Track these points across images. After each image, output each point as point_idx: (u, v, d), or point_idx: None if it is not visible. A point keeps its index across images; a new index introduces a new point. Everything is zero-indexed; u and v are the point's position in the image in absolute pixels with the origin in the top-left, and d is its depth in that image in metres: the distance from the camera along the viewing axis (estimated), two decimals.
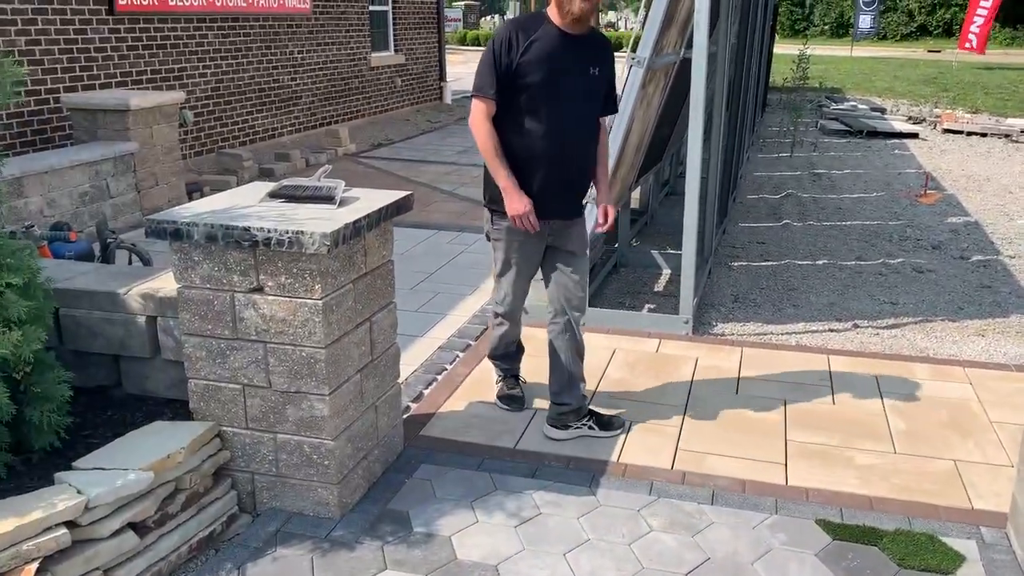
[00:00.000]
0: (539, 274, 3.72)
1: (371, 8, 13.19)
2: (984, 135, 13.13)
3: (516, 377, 3.99)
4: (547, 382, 3.71)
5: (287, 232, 2.70)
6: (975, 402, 3.95)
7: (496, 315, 3.82)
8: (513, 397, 3.90)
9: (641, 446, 3.55)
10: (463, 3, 43.81)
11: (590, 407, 3.71)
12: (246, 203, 3.01)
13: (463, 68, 20.81)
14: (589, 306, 5.00)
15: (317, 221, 2.78)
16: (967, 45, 23.67)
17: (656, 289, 5.79)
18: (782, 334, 4.92)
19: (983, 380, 4.19)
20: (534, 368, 4.20)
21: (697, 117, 4.64)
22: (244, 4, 9.98)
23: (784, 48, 23.56)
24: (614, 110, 3.59)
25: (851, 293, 5.69)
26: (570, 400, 3.60)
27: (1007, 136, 12.95)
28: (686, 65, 4.96)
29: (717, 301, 5.49)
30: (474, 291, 5.49)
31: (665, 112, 6.24)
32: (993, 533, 2.95)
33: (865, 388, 4.10)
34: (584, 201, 3.65)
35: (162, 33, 8.80)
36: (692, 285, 4.85)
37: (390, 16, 14.02)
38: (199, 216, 2.85)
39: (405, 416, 3.75)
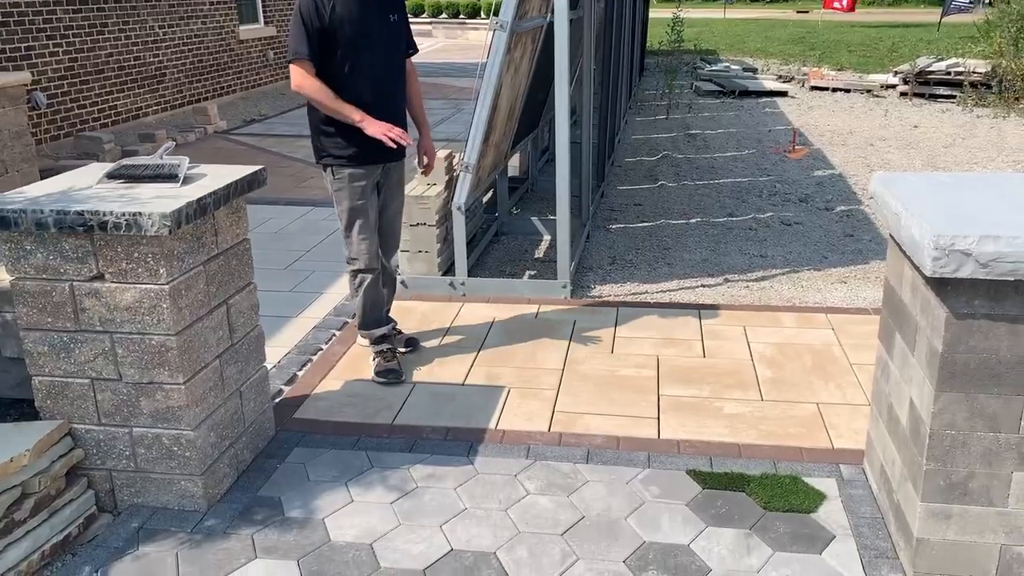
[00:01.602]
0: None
1: None
2: (848, 91, 13.71)
3: (392, 349, 3.93)
4: (426, 351, 4.01)
5: (124, 214, 2.54)
6: (836, 346, 4.12)
7: (356, 274, 3.82)
8: (391, 370, 3.84)
9: (519, 411, 3.56)
10: None
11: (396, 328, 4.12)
12: (82, 186, 2.82)
13: None
14: (470, 276, 5.02)
15: (158, 201, 2.63)
16: (836, 5, 24.65)
17: (537, 256, 5.81)
18: (657, 292, 5.01)
19: (844, 325, 4.37)
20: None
21: (562, 83, 4.63)
22: None
23: (660, 12, 23.93)
24: (415, 50, 3.87)
25: (722, 249, 5.84)
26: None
27: (869, 91, 13.55)
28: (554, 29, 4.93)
29: (595, 264, 5.55)
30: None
31: (539, 76, 6.22)
32: (851, 470, 3.09)
33: (734, 340, 4.22)
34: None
35: (3, 10, 8.19)
36: (568, 250, 4.88)
37: None
38: (28, 202, 2.66)
39: (278, 400, 3.64)
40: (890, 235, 2.78)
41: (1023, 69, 11.61)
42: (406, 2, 3.88)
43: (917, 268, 2.45)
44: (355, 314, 4.03)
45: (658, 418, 3.48)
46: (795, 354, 4.05)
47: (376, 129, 3.48)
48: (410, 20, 3.93)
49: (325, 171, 3.71)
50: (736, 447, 3.26)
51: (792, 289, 5.07)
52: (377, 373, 3.84)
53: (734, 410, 3.54)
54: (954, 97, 12.38)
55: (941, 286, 2.27)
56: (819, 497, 2.93)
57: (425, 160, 3.97)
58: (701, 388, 3.73)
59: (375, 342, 3.91)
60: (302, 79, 3.47)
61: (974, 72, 12.46)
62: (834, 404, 3.58)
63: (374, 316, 3.90)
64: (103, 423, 2.84)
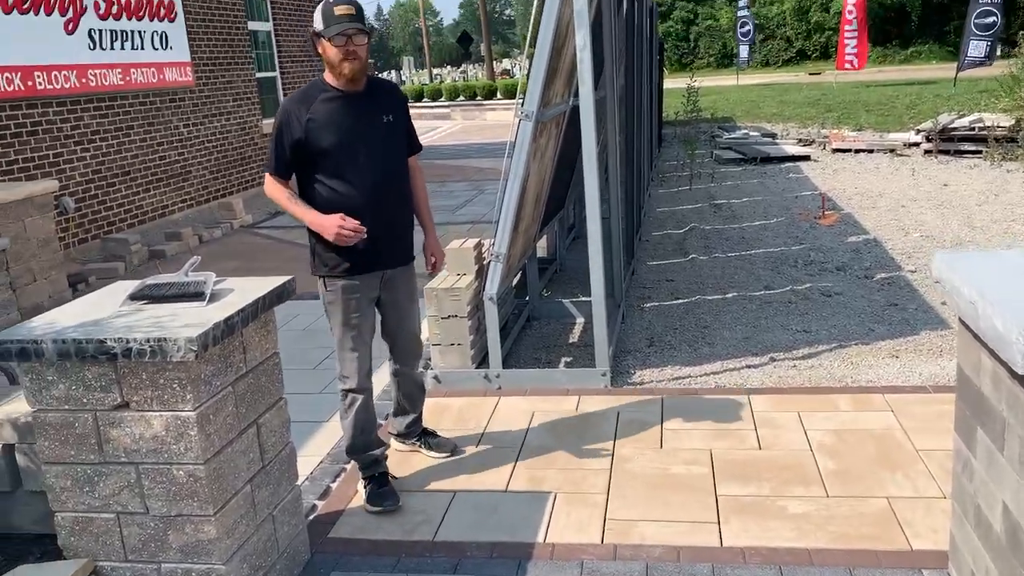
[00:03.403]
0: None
1: (258, 75, 12.91)
2: (871, 151, 13.60)
3: (385, 474, 3.61)
4: (464, 455, 3.97)
5: (148, 340, 2.41)
6: (899, 431, 3.88)
7: (346, 393, 3.53)
8: (385, 496, 3.49)
9: (568, 520, 3.34)
10: None
11: (424, 427, 4.02)
12: (104, 310, 2.71)
13: None
14: (505, 367, 4.86)
15: (183, 323, 2.51)
16: (847, 66, 24.83)
17: (571, 340, 5.64)
18: (700, 376, 4.80)
19: (903, 406, 4.13)
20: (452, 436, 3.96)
21: (591, 166, 4.54)
22: (121, 82, 9.58)
23: (673, 82, 24.21)
24: (418, 148, 3.71)
25: (763, 324, 5.64)
26: (408, 423, 3.96)
27: (892, 151, 13.44)
28: (578, 111, 4.87)
29: (632, 347, 5.36)
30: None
31: (563, 155, 6.16)
32: (935, 575, 2.83)
33: (789, 427, 3.99)
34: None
35: (32, 119, 8.33)
36: (605, 336, 4.70)
37: (279, 82, 13.75)
38: (49, 330, 2.54)
39: (311, 517, 3.45)
40: (960, 320, 2.59)
41: None
42: (408, 102, 3.74)
43: (1000, 360, 2.26)
44: (343, 437, 3.66)
45: (718, 522, 3.25)
46: (856, 441, 3.81)
47: (330, 228, 3.27)
48: (430, 105, 3.84)
49: (320, 283, 3.53)
50: (806, 553, 3.01)
51: (842, 367, 4.84)
52: (369, 501, 3.50)
53: (799, 509, 3.30)
54: (980, 153, 12.23)
55: None
56: None
57: (432, 260, 3.77)
58: (760, 485, 3.49)
59: (365, 467, 3.60)
60: (269, 187, 3.45)
61: (998, 127, 12.33)
62: (906, 498, 3.33)
63: (364, 440, 3.57)
64: (130, 560, 2.67)
